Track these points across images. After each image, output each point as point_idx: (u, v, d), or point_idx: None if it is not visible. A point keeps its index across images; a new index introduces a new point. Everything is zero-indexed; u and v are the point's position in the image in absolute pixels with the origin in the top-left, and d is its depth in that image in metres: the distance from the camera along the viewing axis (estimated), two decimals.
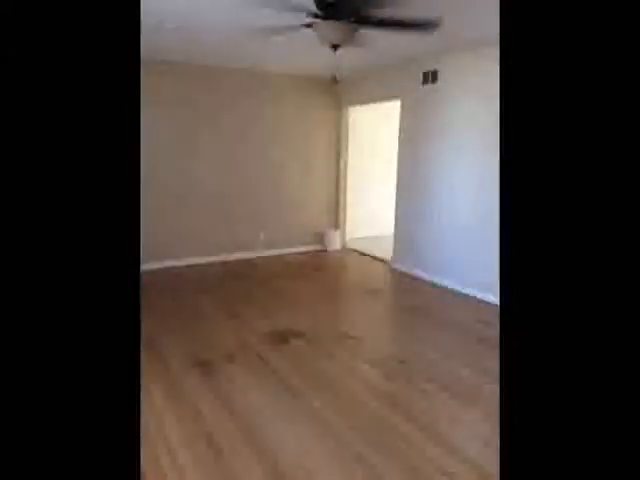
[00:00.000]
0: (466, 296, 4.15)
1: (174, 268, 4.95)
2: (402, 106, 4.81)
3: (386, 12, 2.74)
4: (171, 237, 4.96)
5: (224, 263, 5.21)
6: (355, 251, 5.99)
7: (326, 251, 5.94)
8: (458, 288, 4.27)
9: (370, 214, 6.85)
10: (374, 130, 6.69)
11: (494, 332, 3.31)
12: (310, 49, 3.94)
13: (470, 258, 4.12)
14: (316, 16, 2.66)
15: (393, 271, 5.05)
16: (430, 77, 4.35)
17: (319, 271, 5.08)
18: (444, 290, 4.35)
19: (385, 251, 5.60)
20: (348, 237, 6.29)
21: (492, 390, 2.51)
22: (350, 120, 5.95)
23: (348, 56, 4.23)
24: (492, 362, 2.85)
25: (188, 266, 5.04)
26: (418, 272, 4.75)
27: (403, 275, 4.88)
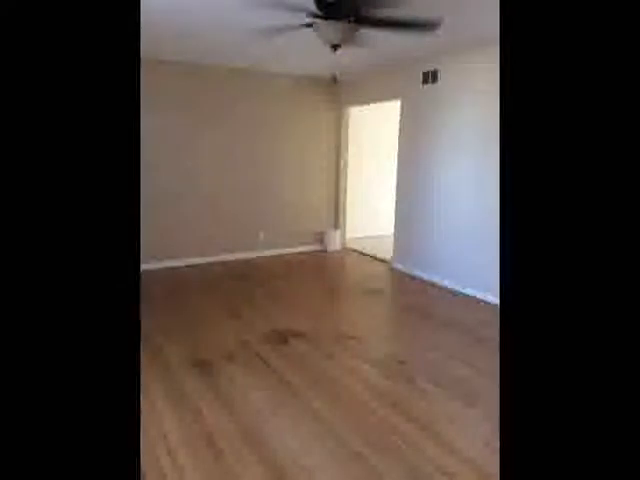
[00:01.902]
0: (466, 296, 4.16)
1: (174, 268, 4.95)
2: (402, 106, 4.81)
3: (386, 12, 2.74)
4: (171, 237, 4.96)
5: (224, 263, 5.21)
6: (355, 251, 5.99)
7: (326, 251, 5.94)
8: (458, 288, 4.27)
9: (370, 214, 6.86)
10: (374, 130, 6.69)
11: (494, 332, 3.31)
12: (310, 49, 3.95)
13: (470, 258, 4.12)
14: (316, 16, 2.66)
15: (393, 271, 5.05)
16: (430, 77, 4.35)
17: (319, 271, 5.08)
18: (444, 290, 4.35)
19: (385, 251, 5.60)
20: (348, 237, 6.29)
21: (492, 390, 2.51)
22: (350, 120, 5.96)
23: (348, 56, 4.23)
24: (492, 362, 2.85)
25: (188, 266, 5.04)
26: (418, 272, 4.75)
27: (403, 275, 4.88)
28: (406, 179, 4.84)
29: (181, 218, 4.98)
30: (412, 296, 4.21)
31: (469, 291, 4.16)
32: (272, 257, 5.56)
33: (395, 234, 5.11)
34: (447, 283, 4.39)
